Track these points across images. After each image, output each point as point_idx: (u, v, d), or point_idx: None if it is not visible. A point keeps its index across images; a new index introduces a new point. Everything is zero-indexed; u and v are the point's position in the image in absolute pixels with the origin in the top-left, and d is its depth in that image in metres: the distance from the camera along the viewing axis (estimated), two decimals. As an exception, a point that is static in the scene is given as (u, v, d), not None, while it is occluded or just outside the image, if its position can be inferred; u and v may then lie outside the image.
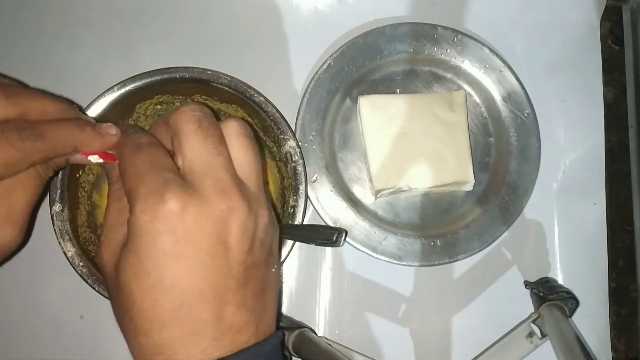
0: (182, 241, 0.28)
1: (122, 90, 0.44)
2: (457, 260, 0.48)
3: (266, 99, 0.44)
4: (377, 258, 0.47)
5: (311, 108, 0.49)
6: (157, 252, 0.28)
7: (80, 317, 0.48)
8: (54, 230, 0.41)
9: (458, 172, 0.48)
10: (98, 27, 0.52)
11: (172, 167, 0.30)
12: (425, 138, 0.48)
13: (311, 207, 0.48)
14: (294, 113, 0.48)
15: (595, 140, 0.52)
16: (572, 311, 0.46)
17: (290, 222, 0.43)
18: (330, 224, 0.47)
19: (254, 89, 0.44)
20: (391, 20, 0.51)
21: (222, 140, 0.31)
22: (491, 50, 0.50)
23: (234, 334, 0.29)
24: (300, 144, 0.46)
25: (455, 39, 0.50)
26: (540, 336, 0.46)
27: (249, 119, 0.46)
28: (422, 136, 0.48)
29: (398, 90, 0.51)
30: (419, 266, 0.48)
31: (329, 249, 0.49)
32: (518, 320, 0.47)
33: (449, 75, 0.51)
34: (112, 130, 0.34)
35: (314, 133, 0.48)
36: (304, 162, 0.44)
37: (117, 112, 0.44)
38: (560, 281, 0.50)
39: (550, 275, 0.50)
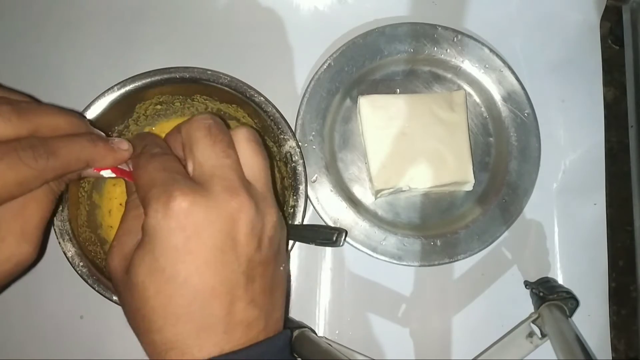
0: (193, 237, 0.29)
1: (122, 90, 0.44)
2: (457, 260, 0.48)
3: (266, 99, 0.44)
4: (377, 258, 0.47)
5: (311, 108, 0.49)
6: (171, 249, 0.29)
7: (80, 317, 0.48)
8: (54, 230, 0.41)
9: (458, 172, 0.48)
10: (98, 27, 0.52)
11: (182, 171, 0.31)
12: (425, 138, 0.48)
13: (311, 207, 0.48)
14: (294, 113, 0.48)
15: (595, 140, 0.52)
16: (572, 311, 0.46)
17: (290, 222, 0.43)
18: (330, 224, 0.47)
19: (254, 89, 0.44)
20: (391, 20, 0.51)
21: (230, 145, 0.32)
22: (491, 50, 0.50)
23: (244, 329, 0.30)
24: (300, 144, 0.46)
25: (455, 39, 0.50)
26: (540, 336, 0.46)
27: (249, 119, 0.46)
28: (422, 136, 0.48)
29: (398, 90, 0.51)
30: (419, 266, 0.48)
31: (329, 249, 0.49)
32: (518, 320, 0.47)
33: (449, 75, 0.51)
34: (124, 145, 0.35)
35: (314, 133, 0.48)
36: (304, 162, 0.44)
37: (117, 112, 0.44)
38: (560, 281, 0.50)
39: (550, 275, 0.50)
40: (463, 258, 0.48)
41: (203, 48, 0.51)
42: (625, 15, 0.50)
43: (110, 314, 0.46)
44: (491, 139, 0.51)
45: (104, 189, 0.47)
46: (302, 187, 0.44)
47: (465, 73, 0.51)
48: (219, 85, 0.44)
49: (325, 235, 0.39)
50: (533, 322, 0.46)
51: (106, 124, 0.44)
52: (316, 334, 0.47)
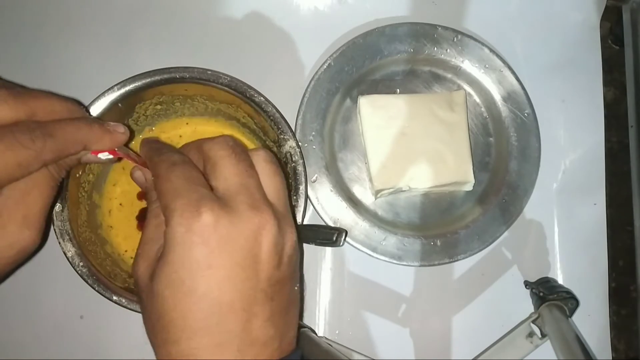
0: (216, 252, 0.29)
1: (122, 90, 0.44)
2: (457, 260, 0.48)
3: (266, 99, 0.44)
4: (377, 258, 0.47)
5: (311, 108, 0.49)
6: (192, 262, 0.29)
7: (80, 317, 0.48)
8: (54, 230, 0.41)
9: (458, 172, 0.48)
10: (98, 27, 0.52)
11: (205, 184, 0.31)
12: (425, 138, 0.48)
13: (311, 207, 0.48)
14: (294, 113, 0.48)
15: (595, 140, 0.52)
16: (572, 311, 0.46)
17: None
18: (330, 224, 0.47)
19: (254, 89, 0.44)
20: (391, 20, 0.51)
21: (252, 165, 0.33)
22: (491, 50, 0.50)
23: (259, 348, 0.30)
24: (300, 144, 0.46)
25: (455, 39, 0.50)
26: (540, 336, 0.46)
27: (249, 119, 0.47)
28: (422, 136, 0.48)
29: (398, 90, 0.51)
30: (419, 266, 0.48)
31: (329, 249, 0.49)
32: (518, 320, 0.47)
33: (449, 75, 0.51)
34: (120, 128, 0.36)
35: (314, 133, 0.48)
36: (304, 162, 0.44)
37: (117, 112, 0.44)
38: (560, 281, 0.50)
39: (550, 275, 0.50)
40: (463, 258, 0.48)
41: (203, 48, 0.51)
42: (625, 15, 0.50)
43: (110, 314, 0.46)
44: (491, 139, 0.51)
45: (104, 189, 0.47)
46: (302, 187, 0.44)
47: (465, 73, 0.51)
48: (219, 85, 0.44)
49: (325, 235, 0.39)
50: (533, 322, 0.46)
51: (106, 124, 0.44)
52: (316, 334, 0.47)
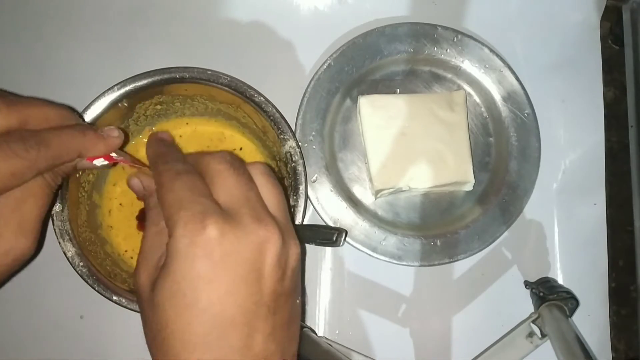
0: (219, 266, 0.28)
1: (122, 90, 0.44)
2: (457, 260, 0.48)
3: (266, 99, 0.44)
4: (377, 258, 0.47)
5: (311, 108, 0.49)
6: (194, 275, 0.28)
7: (80, 317, 0.48)
8: (54, 230, 0.41)
9: (458, 172, 0.48)
10: (98, 28, 0.52)
11: (209, 195, 0.31)
12: (425, 138, 0.48)
13: (311, 207, 0.48)
14: (294, 113, 0.48)
15: (595, 140, 0.52)
16: (572, 311, 0.46)
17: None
18: (330, 224, 0.47)
19: (254, 89, 0.44)
20: (391, 20, 0.51)
21: (251, 178, 0.32)
22: (491, 50, 0.50)
23: None
24: (300, 144, 0.46)
25: (455, 39, 0.50)
26: (540, 336, 0.46)
27: (249, 119, 0.47)
28: (422, 136, 0.48)
29: (398, 90, 0.51)
30: (419, 266, 0.48)
31: (329, 249, 0.49)
32: (518, 320, 0.47)
33: (449, 75, 0.51)
34: (114, 132, 0.36)
35: (314, 133, 0.48)
36: (304, 162, 0.44)
37: (117, 112, 0.44)
38: (560, 281, 0.50)
39: (550, 275, 0.50)
40: (463, 258, 0.48)
41: (203, 48, 0.51)
42: (625, 15, 0.50)
43: (110, 314, 0.46)
44: (491, 139, 0.51)
45: (104, 189, 0.47)
46: (302, 187, 0.44)
47: (465, 73, 0.51)
48: (219, 85, 0.44)
49: (325, 235, 0.39)
50: (533, 322, 0.46)
51: (106, 124, 0.44)
52: (316, 334, 0.47)
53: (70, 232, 0.42)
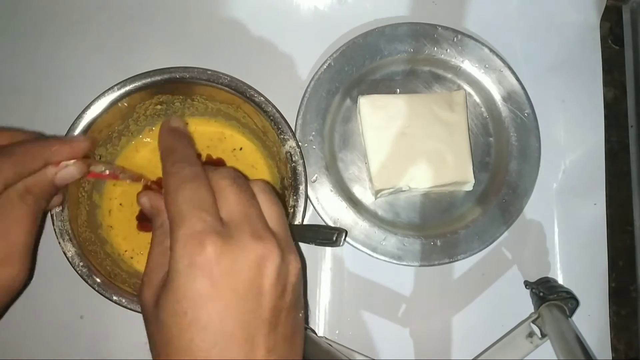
0: (218, 284, 0.29)
1: (122, 90, 0.44)
2: (457, 260, 0.48)
3: (266, 99, 0.44)
4: (377, 258, 0.47)
5: (311, 108, 0.49)
6: (194, 294, 0.29)
7: (80, 317, 0.48)
8: (54, 230, 0.41)
9: (458, 172, 0.48)
10: (98, 27, 0.52)
11: (212, 208, 0.31)
12: (425, 138, 0.48)
13: (311, 207, 0.48)
14: (294, 113, 0.48)
15: (595, 140, 0.52)
16: (572, 311, 0.46)
17: (290, 222, 0.43)
18: (330, 224, 0.47)
19: (254, 89, 0.44)
20: (391, 20, 0.51)
21: (253, 195, 0.33)
22: (491, 50, 0.50)
23: None
24: (300, 144, 0.46)
25: (455, 39, 0.50)
26: (540, 336, 0.46)
27: (249, 119, 0.47)
28: (422, 136, 0.48)
29: (398, 90, 0.51)
30: (419, 266, 0.48)
31: (329, 249, 0.49)
32: (518, 320, 0.47)
33: (449, 75, 0.51)
34: (79, 137, 0.37)
35: (314, 133, 0.48)
36: (304, 162, 0.44)
37: (117, 112, 0.44)
38: (560, 281, 0.50)
39: (550, 275, 0.50)
40: (463, 258, 0.48)
41: (203, 48, 0.51)
42: (625, 15, 0.50)
43: (110, 314, 0.46)
44: (491, 139, 0.51)
45: (104, 189, 0.47)
46: (302, 187, 0.44)
47: (465, 73, 0.51)
48: (219, 85, 0.44)
49: (325, 235, 0.39)
50: (533, 322, 0.46)
51: (106, 124, 0.44)
52: (316, 334, 0.47)
53: (70, 232, 0.42)
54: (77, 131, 0.43)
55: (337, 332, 0.49)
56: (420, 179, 0.47)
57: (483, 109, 0.51)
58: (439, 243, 0.48)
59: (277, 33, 0.52)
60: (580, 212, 0.51)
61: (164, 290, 0.30)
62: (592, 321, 0.50)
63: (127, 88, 0.44)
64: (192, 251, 0.29)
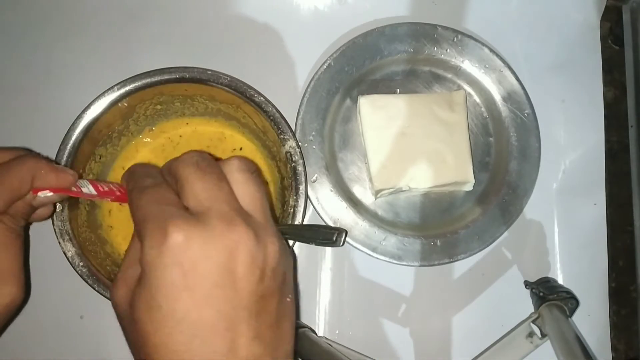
0: (190, 273, 0.28)
1: (122, 90, 0.44)
2: (457, 260, 0.48)
3: (266, 99, 0.44)
4: (377, 258, 0.47)
5: (311, 108, 0.49)
6: (167, 286, 0.28)
7: (80, 317, 0.48)
8: (54, 230, 0.41)
9: (458, 172, 0.48)
10: (98, 27, 0.52)
11: (176, 201, 0.30)
12: (425, 138, 0.48)
13: (311, 207, 0.48)
14: (294, 113, 0.48)
15: (595, 140, 0.52)
16: (572, 311, 0.46)
17: (290, 222, 0.43)
18: (330, 224, 0.47)
19: (254, 89, 0.44)
20: (391, 20, 0.51)
21: (221, 177, 0.31)
22: (491, 50, 0.50)
23: None
24: (300, 144, 0.46)
25: (455, 39, 0.50)
26: (540, 336, 0.46)
27: (249, 119, 0.47)
28: (422, 136, 0.48)
29: (398, 90, 0.51)
30: (419, 266, 0.48)
31: (329, 249, 0.49)
32: (518, 320, 0.47)
33: (449, 75, 0.51)
34: (69, 170, 0.36)
35: (314, 133, 0.48)
36: (304, 162, 0.44)
37: (117, 112, 0.44)
38: (560, 281, 0.50)
39: (550, 275, 0.50)
40: (463, 258, 0.48)
41: (203, 48, 0.51)
42: (625, 15, 0.50)
43: (110, 314, 0.46)
44: (491, 139, 0.51)
45: (104, 189, 0.47)
46: (302, 187, 0.44)
47: (465, 73, 0.51)
48: (219, 85, 0.44)
49: (325, 235, 0.39)
50: (533, 322, 0.46)
51: (106, 124, 0.44)
52: (316, 334, 0.47)
53: (70, 232, 0.42)
54: (77, 131, 0.43)
55: (337, 332, 0.49)
56: (420, 179, 0.47)
57: (483, 109, 0.51)
58: (439, 243, 0.48)
59: (277, 33, 0.52)
60: (580, 212, 0.51)
61: (138, 288, 0.29)
62: (592, 321, 0.50)
63: (127, 88, 0.44)
64: (159, 240, 0.28)
